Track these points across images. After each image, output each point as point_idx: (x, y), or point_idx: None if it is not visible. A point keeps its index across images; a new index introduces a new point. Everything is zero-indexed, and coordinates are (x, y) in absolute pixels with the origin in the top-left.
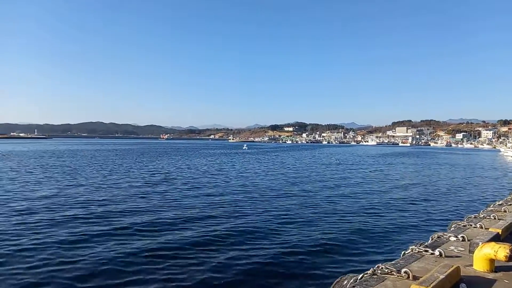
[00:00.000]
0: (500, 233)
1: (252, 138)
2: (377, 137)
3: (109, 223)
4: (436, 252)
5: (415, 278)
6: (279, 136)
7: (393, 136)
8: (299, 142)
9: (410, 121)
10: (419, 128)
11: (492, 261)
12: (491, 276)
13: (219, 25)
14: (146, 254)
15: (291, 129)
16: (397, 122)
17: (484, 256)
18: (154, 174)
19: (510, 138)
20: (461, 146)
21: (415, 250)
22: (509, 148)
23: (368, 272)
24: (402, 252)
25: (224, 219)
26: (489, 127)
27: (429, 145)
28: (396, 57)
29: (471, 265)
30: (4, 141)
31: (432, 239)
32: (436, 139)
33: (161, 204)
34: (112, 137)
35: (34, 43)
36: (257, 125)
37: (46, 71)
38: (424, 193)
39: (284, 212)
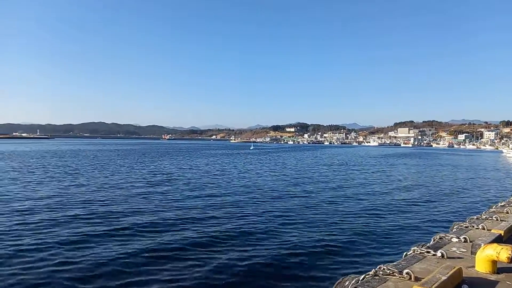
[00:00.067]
0: (502, 234)
1: (253, 139)
2: (379, 138)
3: (110, 224)
4: (438, 253)
5: (417, 279)
6: (281, 136)
7: (395, 137)
8: (300, 143)
9: (412, 122)
10: (421, 129)
11: (494, 262)
12: (493, 277)
13: (219, 25)
14: (148, 254)
15: (292, 129)
16: (399, 123)
17: (486, 257)
18: (156, 174)
19: None
20: (463, 147)
21: (417, 251)
22: (511, 149)
23: (370, 273)
24: (404, 253)
25: (226, 220)
26: (492, 128)
27: (431, 146)
28: (396, 57)
29: (473, 267)
30: (7, 141)
31: (434, 240)
32: (438, 140)
33: (163, 204)
34: (114, 138)
35: (34, 43)
36: (259, 126)
37: (47, 71)
38: (426, 194)
39: (286, 213)
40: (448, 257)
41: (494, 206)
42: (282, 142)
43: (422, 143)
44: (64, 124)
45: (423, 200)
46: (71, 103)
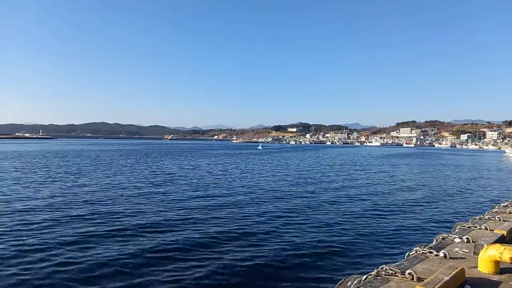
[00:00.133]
0: (505, 234)
1: (255, 139)
2: (381, 138)
3: (112, 224)
4: (441, 254)
5: (419, 279)
6: (283, 136)
7: (397, 137)
8: (302, 143)
9: (414, 122)
10: (423, 129)
11: (497, 263)
12: (496, 278)
13: (219, 25)
14: (149, 254)
15: (294, 129)
16: (401, 123)
17: (489, 257)
18: (158, 174)
19: None
20: (466, 147)
21: (420, 251)
22: None
23: (372, 273)
24: (406, 254)
25: (228, 220)
26: (494, 128)
27: (434, 146)
28: (396, 57)
29: (476, 267)
30: (9, 141)
31: (436, 241)
32: (441, 140)
33: (165, 204)
34: (116, 138)
35: (34, 43)
36: (261, 126)
37: (48, 71)
38: (429, 194)
39: (288, 213)
40: (450, 258)
41: (497, 207)
42: (284, 142)
43: (424, 143)
44: (66, 124)
45: (425, 200)
46: (73, 103)
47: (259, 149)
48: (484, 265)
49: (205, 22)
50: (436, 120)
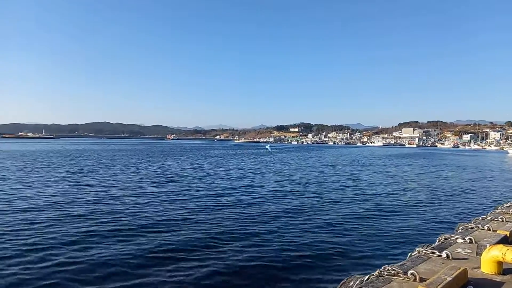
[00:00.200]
0: (508, 235)
1: (257, 139)
2: (383, 138)
3: (114, 223)
4: (443, 254)
5: (421, 280)
6: (285, 136)
7: (400, 137)
8: (304, 143)
9: (417, 122)
10: (425, 129)
11: (500, 263)
12: (498, 278)
13: (219, 25)
14: (150, 254)
15: (296, 129)
16: (404, 123)
17: (491, 258)
18: (160, 174)
19: None
20: (468, 147)
21: (422, 252)
22: None
23: (374, 273)
24: (409, 254)
25: (229, 220)
26: (497, 128)
27: (436, 146)
28: (396, 57)
29: (479, 268)
30: (12, 141)
31: (439, 241)
32: (443, 140)
33: (167, 204)
34: (119, 137)
35: (34, 41)
36: (263, 126)
37: (48, 70)
38: (431, 194)
39: (290, 213)
40: (453, 258)
41: (499, 207)
42: (286, 142)
43: (426, 144)
44: (69, 124)
45: (428, 201)
46: (75, 103)
47: (267, 149)
48: (486, 266)
49: (205, 22)
50: (439, 121)
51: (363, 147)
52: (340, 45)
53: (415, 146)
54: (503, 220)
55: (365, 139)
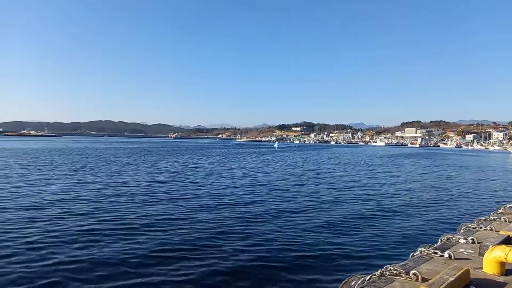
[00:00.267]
0: (510, 236)
1: (259, 138)
2: (385, 137)
3: (115, 221)
4: (446, 254)
5: (424, 280)
6: (287, 136)
7: (402, 137)
8: (307, 142)
9: (420, 122)
10: (428, 129)
11: (502, 264)
12: (501, 279)
13: (219, 25)
14: (152, 253)
15: (298, 129)
16: (406, 122)
17: (494, 259)
18: (162, 173)
19: None
20: (471, 147)
21: (424, 252)
22: None
23: (376, 273)
24: (411, 254)
25: (231, 219)
26: (500, 128)
27: (439, 146)
28: (396, 57)
29: (481, 268)
30: (15, 139)
31: (441, 241)
32: (446, 140)
33: (168, 203)
34: (121, 136)
35: (34, 40)
36: (265, 125)
37: (49, 68)
38: (434, 194)
39: (292, 212)
40: (455, 258)
41: (502, 207)
42: (288, 141)
43: (429, 143)
44: (71, 122)
45: (430, 201)
46: (78, 101)
47: (275, 147)
48: (489, 266)
49: (205, 22)
50: (442, 120)
51: (365, 147)
52: (340, 45)
53: (417, 146)
54: (506, 221)
55: (367, 138)
